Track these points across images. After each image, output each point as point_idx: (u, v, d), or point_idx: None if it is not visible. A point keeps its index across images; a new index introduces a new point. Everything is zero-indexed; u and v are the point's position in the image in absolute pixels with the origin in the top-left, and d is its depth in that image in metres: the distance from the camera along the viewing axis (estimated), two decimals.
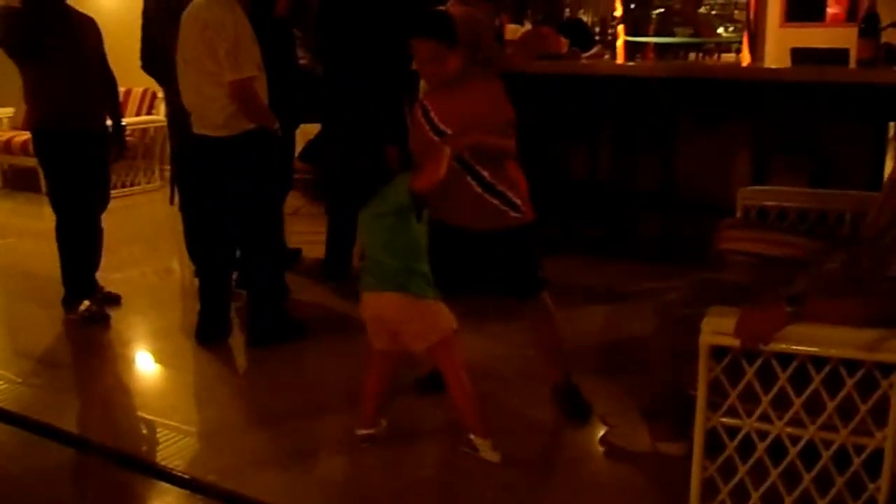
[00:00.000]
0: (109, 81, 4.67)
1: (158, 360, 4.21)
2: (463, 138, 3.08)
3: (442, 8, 5.51)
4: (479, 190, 3.19)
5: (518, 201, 3.24)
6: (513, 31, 6.93)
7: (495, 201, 3.20)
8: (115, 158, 4.97)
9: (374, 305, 3.04)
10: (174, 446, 3.25)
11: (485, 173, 3.18)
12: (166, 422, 3.44)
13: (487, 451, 3.03)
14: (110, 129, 4.71)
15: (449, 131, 3.15)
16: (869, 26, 4.74)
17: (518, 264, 3.36)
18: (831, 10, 7.04)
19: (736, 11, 7.79)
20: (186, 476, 3.03)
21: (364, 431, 3.21)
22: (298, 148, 5.70)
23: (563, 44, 6.41)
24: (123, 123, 4.87)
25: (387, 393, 3.24)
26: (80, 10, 4.53)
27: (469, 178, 3.18)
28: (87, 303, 4.52)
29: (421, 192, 2.89)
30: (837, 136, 4.73)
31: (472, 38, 4.88)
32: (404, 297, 2.96)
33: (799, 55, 5.06)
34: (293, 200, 5.48)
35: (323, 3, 4.79)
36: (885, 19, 4.81)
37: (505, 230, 3.25)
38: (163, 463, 3.12)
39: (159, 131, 7.91)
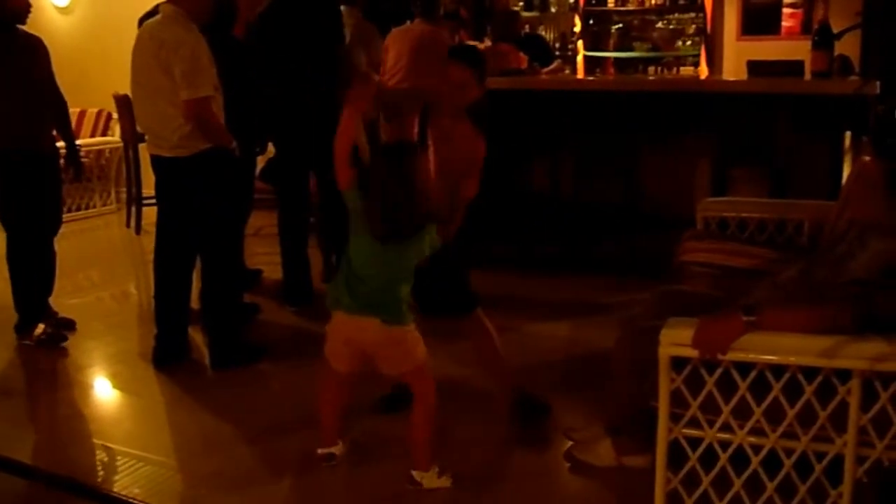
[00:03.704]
0: (59, 102, 4.60)
1: (115, 385, 4.13)
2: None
3: (410, 25, 5.55)
4: None
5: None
6: None
7: None
8: (73, 179, 4.91)
9: (349, 328, 2.92)
10: (132, 475, 3.17)
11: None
12: (124, 449, 3.36)
13: (433, 482, 2.96)
14: (63, 151, 4.65)
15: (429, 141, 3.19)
16: (822, 39, 4.81)
17: (444, 281, 3.30)
18: (786, 23, 7.13)
19: (693, 25, 7.86)
20: None
21: (324, 450, 3.16)
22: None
23: (523, 59, 6.44)
24: (78, 143, 4.80)
25: (345, 412, 3.19)
26: (33, 30, 4.47)
27: None
28: (41, 326, 4.44)
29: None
30: (795, 146, 4.78)
31: (440, 57, 4.90)
32: (384, 324, 2.87)
33: (755, 67, 5.11)
34: (254, 220, 5.42)
35: (258, 25, 4.80)
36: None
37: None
38: (121, 492, 3.04)
39: (115, 153, 7.82)
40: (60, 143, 4.65)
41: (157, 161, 4.02)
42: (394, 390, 3.42)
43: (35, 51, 4.40)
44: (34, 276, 4.48)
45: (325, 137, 4.64)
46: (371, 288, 2.88)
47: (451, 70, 3.27)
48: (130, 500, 2.98)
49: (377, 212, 2.80)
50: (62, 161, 4.69)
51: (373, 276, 2.88)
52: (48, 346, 4.40)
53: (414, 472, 2.96)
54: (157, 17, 3.92)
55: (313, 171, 4.94)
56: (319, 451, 3.16)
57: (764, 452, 2.36)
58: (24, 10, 4.33)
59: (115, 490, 3.06)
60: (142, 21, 4.22)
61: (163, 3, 3.95)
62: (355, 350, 2.97)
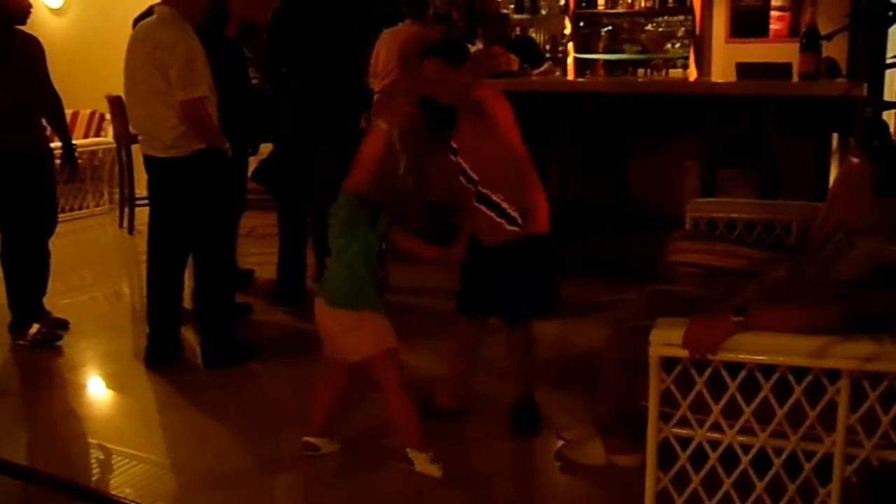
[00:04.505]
0: (55, 103, 4.60)
1: (108, 385, 4.14)
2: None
3: (401, 26, 5.56)
4: (475, 201, 3.20)
5: (514, 214, 3.17)
6: None
7: (490, 213, 3.18)
8: (68, 179, 4.91)
9: (316, 312, 3.08)
10: (125, 474, 3.19)
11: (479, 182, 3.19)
12: (116, 448, 3.37)
13: (424, 465, 3.00)
14: (58, 151, 4.65)
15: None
16: (810, 41, 4.84)
17: (510, 284, 3.27)
18: (774, 26, 7.15)
19: (682, 28, 7.89)
20: None
21: (308, 439, 3.19)
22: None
23: (514, 61, 6.45)
24: (73, 143, 4.80)
25: (336, 406, 3.20)
26: (27, 30, 4.46)
27: (470, 187, 3.20)
28: (36, 326, 4.44)
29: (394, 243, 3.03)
30: (783, 148, 4.81)
31: None
32: (333, 308, 2.99)
33: (744, 69, 5.14)
34: (246, 221, 5.43)
35: (273, 23, 4.78)
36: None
37: (502, 245, 3.21)
38: (113, 492, 3.05)
39: (108, 153, 7.82)
40: (55, 144, 4.65)
41: (150, 161, 4.03)
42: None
43: (32, 51, 4.41)
44: (29, 276, 4.48)
45: (340, 140, 4.67)
46: (329, 269, 3.08)
47: (424, 67, 3.29)
48: (123, 500, 2.99)
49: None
50: (58, 161, 4.69)
51: (332, 259, 3.04)
52: (42, 345, 4.40)
53: (408, 450, 3.01)
54: (152, 17, 3.93)
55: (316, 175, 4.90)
56: (305, 438, 3.19)
57: (753, 452, 2.39)
58: (23, 11, 4.35)
59: (108, 489, 3.08)
60: (136, 22, 4.23)
61: (157, 3, 3.96)
62: (324, 333, 3.08)
